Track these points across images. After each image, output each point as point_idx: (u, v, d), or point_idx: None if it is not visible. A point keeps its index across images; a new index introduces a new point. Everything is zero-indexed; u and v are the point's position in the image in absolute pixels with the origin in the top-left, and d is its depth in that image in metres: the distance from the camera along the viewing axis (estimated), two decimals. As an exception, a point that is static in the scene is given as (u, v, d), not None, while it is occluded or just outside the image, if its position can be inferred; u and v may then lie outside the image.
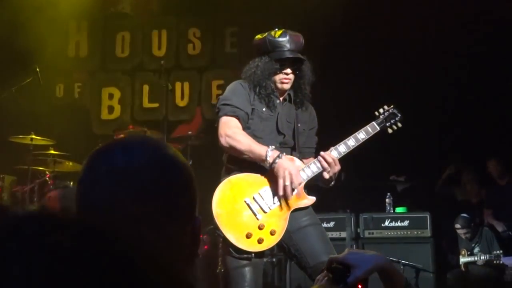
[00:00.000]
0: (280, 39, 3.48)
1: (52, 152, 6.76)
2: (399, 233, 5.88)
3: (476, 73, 7.21)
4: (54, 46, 8.55)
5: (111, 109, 8.66)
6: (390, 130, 3.70)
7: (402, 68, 7.18)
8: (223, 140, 3.39)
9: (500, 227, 6.72)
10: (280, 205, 3.36)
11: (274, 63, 3.47)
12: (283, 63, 3.48)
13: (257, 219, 3.31)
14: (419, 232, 5.85)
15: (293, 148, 3.57)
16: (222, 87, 8.20)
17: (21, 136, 6.70)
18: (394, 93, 6.89)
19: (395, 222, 5.91)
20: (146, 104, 8.59)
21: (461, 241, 6.68)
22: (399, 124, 3.71)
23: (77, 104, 8.61)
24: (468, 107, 7.21)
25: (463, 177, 7.28)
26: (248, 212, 3.32)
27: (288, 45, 3.48)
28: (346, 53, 7.28)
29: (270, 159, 3.30)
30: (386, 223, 5.92)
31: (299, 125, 3.59)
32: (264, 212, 3.34)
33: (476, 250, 6.51)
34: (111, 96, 8.67)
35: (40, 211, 0.69)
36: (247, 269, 3.32)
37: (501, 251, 6.27)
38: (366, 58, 7.18)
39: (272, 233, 3.32)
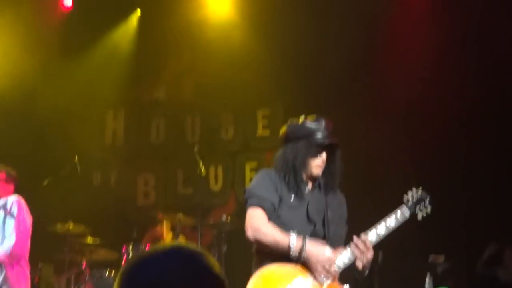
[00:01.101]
0: (316, 124, 3.53)
1: (89, 240, 6.83)
2: (440, 316, 5.68)
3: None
4: (91, 135, 8.82)
5: (146, 195, 8.76)
6: (420, 216, 3.63)
7: (433, 143, 7.16)
8: (249, 233, 3.41)
9: None
10: None
11: (313, 147, 3.50)
12: (320, 148, 3.52)
13: None
14: (462, 315, 5.63)
15: (323, 238, 3.54)
16: (255, 170, 8.26)
17: (59, 225, 6.80)
18: (431, 170, 6.90)
19: (436, 305, 5.72)
20: (180, 189, 8.66)
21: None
22: (429, 209, 3.63)
23: (113, 192, 8.74)
24: (509, 183, 7.08)
25: (505, 257, 7.05)
26: None
27: (324, 131, 3.53)
28: (371, 133, 7.30)
29: (295, 253, 3.29)
30: (428, 306, 5.73)
31: (329, 213, 3.58)
32: None
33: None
34: (146, 183, 8.79)
35: None
36: None
37: None
38: (394, 137, 7.19)
39: None
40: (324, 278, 3.30)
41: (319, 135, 3.51)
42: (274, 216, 3.46)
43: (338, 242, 3.56)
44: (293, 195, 3.50)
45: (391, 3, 7.70)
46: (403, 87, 7.35)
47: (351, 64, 7.60)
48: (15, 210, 5.14)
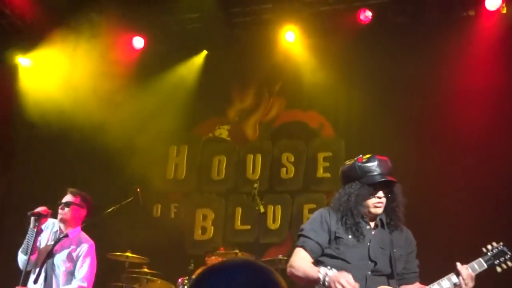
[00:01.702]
0: (369, 164, 3.52)
1: (146, 270, 6.92)
2: None
3: None
4: (154, 169, 9.03)
5: (204, 230, 8.83)
6: (499, 269, 3.55)
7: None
8: (288, 271, 3.48)
9: None
10: None
11: (367, 187, 3.49)
12: (375, 187, 3.50)
13: None
14: None
15: (389, 276, 3.49)
16: (313, 211, 8.21)
17: (118, 253, 6.93)
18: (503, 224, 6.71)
19: None
20: (238, 226, 8.70)
21: None
22: (510, 263, 3.56)
23: (172, 224, 8.86)
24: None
25: None
26: None
27: (378, 169, 3.51)
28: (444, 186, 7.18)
29: (321, 278, 3.29)
30: None
31: (395, 250, 3.52)
32: None
33: None
34: (204, 217, 8.88)
35: None
36: None
37: None
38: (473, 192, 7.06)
39: None
40: None
41: (372, 174, 3.49)
42: (329, 255, 3.46)
43: (411, 279, 3.53)
44: (351, 234, 3.48)
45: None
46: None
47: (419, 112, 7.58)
48: (89, 253, 5.14)
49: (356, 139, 7.95)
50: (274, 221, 8.57)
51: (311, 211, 8.20)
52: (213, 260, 7.12)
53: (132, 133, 8.71)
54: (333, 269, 3.34)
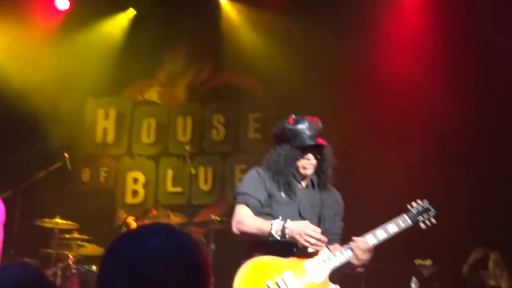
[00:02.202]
0: (299, 126, 3.54)
1: (76, 235, 6.82)
2: (426, 319, 5.70)
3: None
4: (82, 133, 8.82)
5: (135, 193, 8.76)
6: (423, 225, 3.63)
7: (430, 154, 7.24)
8: (234, 228, 3.48)
9: None
10: None
11: (296, 150, 3.52)
12: (304, 149, 3.54)
13: None
14: (447, 319, 5.67)
15: None
16: (245, 172, 8.29)
17: (46, 220, 6.78)
18: (423, 176, 6.98)
19: (422, 308, 5.75)
20: (170, 188, 8.68)
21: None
22: (433, 221, 3.65)
23: (102, 189, 8.74)
24: (494, 188, 7.16)
25: (490, 261, 7.10)
26: None
27: (307, 132, 3.53)
28: (377, 141, 7.36)
29: (278, 232, 3.31)
30: (413, 309, 5.75)
31: (323, 210, 3.59)
32: None
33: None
34: (135, 181, 8.80)
35: None
36: None
37: None
38: (398, 149, 7.26)
39: None
40: (319, 245, 3.31)
41: (302, 136, 3.53)
42: (265, 213, 3.48)
43: (332, 240, 3.58)
44: (283, 192, 3.52)
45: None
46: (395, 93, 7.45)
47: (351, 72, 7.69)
48: None
49: (287, 100, 8.01)
50: (206, 182, 8.59)
51: (242, 171, 8.26)
52: (145, 223, 7.09)
53: (57, 96, 8.44)
54: (288, 219, 3.35)
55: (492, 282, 7.08)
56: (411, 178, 7.03)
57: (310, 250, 3.34)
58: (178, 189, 8.52)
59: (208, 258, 1.25)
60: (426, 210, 3.65)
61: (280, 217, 3.38)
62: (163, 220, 6.87)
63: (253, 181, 3.56)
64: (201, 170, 8.51)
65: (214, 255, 6.34)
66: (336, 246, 3.54)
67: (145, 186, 8.75)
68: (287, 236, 3.31)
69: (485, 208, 7.19)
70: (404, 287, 6.11)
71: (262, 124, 8.60)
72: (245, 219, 3.43)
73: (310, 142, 3.52)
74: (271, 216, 3.47)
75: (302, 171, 3.57)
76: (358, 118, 7.50)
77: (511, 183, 7.16)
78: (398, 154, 7.29)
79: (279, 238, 3.32)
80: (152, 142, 8.94)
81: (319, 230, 3.36)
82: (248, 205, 3.48)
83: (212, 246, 6.35)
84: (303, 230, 3.30)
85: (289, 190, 3.53)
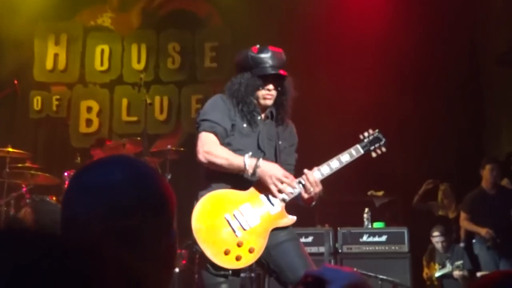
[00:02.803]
0: (262, 55, 3.46)
1: (29, 165, 6.69)
2: (377, 248, 5.91)
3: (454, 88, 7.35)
4: (32, 59, 8.53)
5: (89, 122, 8.61)
6: (374, 154, 3.67)
7: (384, 86, 7.30)
8: (201, 156, 3.36)
9: (484, 233, 6.48)
10: (261, 223, 3.33)
11: (257, 79, 3.45)
12: (265, 79, 3.47)
13: (236, 236, 3.26)
14: (397, 247, 5.88)
15: None
16: (201, 101, 8.22)
17: (-3, 149, 6.63)
18: (377, 109, 7.05)
19: (373, 237, 5.94)
20: (125, 117, 8.56)
21: (436, 256, 6.75)
22: (383, 149, 3.68)
23: (55, 117, 8.55)
24: (445, 120, 7.32)
25: (440, 192, 7.35)
26: (228, 229, 3.27)
27: (270, 61, 3.46)
28: (332, 74, 7.36)
29: (250, 169, 3.28)
30: (364, 238, 5.95)
31: (280, 142, 3.57)
32: (244, 229, 3.29)
33: (448, 264, 6.57)
34: (89, 109, 8.62)
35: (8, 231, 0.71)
36: (223, 286, 3.27)
37: (461, 262, 6.37)
38: (352, 81, 7.28)
39: (251, 251, 3.27)
40: (284, 196, 3.33)
41: (264, 66, 3.45)
42: (226, 142, 3.45)
43: (288, 170, 3.58)
44: (245, 123, 3.49)
45: None
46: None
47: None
48: None
49: (243, 28, 7.87)
50: (161, 112, 8.50)
51: (199, 101, 8.21)
52: (99, 153, 7.01)
53: (3, 20, 8.07)
54: (261, 158, 3.33)
55: (440, 212, 7.37)
56: (365, 110, 7.10)
57: (279, 197, 3.34)
58: (133, 118, 8.42)
59: (169, 186, 1.28)
60: (377, 139, 3.69)
61: (250, 153, 3.34)
62: (119, 149, 6.80)
63: (218, 108, 3.46)
64: (157, 99, 8.39)
65: (170, 185, 6.33)
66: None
67: (99, 115, 8.60)
68: (256, 174, 3.30)
69: (437, 140, 7.38)
70: (357, 217, 6.30)
71: (219, 53, 8.47)
72: (215, 149, 3.35)
73: (271, 71, 3.45)
74: (230, 145, 3.43)
75: (261, 101, 3.50)
76: (315, 49, 7.46)
77: (462, 115, 7.34)
78: (352, 86, 7.33)
79: (248, 175, 3.32)
80: (106, 69, 8.73)
81: (290, 177, 3.35)
82: (215, 133, 3.39)
83: (168, 176, 6.34)
84: (275, 173, 3.29)
85: (251, 120, 3.49)
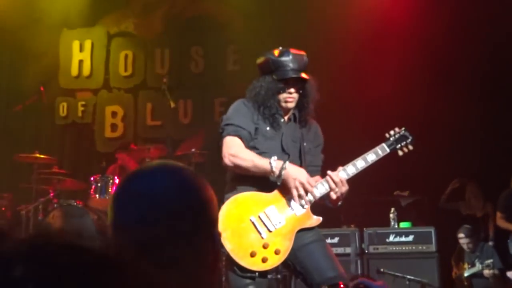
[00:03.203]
0: (283, 58, 3.46)
1: (56, 170, 6.79)
2: (404, 248, 5.86)
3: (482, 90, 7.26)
4: (57, 66, 8.64)
5: (114, 127, 8.69)
6: (400, 152, 3.64)
7: (409, 88, 7.26)
8: (227, 160, 3.38)
9: None
10: (286, 224, 3.33)
11: (278, 82, 3.46)
12: (286, 82, 3.47)
13: (262, 238, 3.27)
14: (424, 247, 5.83)
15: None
16: (224, 105, 8.23)
17: (25, 155, 6.73)
18: (401, 108, 7.00)
19: (399, 237, 5.90)
20: (149, 122, 8.62)
21: (465, 256, 6.67)
22: (410, 147, 3.65)
23: (80, 123, 8.65)
24: (469, 122, 7.24)
25: (467, 191, 7.27)
26: (253, 231, 3.28)
27: (291, 64, 3.46)
28: (356, 72, 7.33)
29: (276, 171, 3.28)
30: (391, 238, 5.91)
31: (305, 144, 3.56)
32: (269, 231, 3.30)
33: (477, 263, 6.50)
34: (114, 114, 8.71)
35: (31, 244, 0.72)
36: (250, 287, 3.28)
37: (491, 261, 6.29)
38: (374, 82, 7.24)
39: (277, 252, 3.28)
40: (303, 202, 3.33)
41: (285, 69, 3.45)
42: (251, 146, 3.46)
43: (313, 172, 3.58)
44: (268, 126, 3.50)
45: None
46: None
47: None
48: None
49: (267, 32, 7.87)
50: (185, 115, 8.54)
51: (222, 104, 8.22)
52: (124, 156, 7.08)
53: (28, 30, 8.19)
54: (287, 161, 3.34)
55: (468, 211, 7.28)
56: (390, 109, 7.05)
57: (298, 202, 3.34)
58: (158, 123, 8.47)
59: (211, 191, 1.32)
60: (403, 137, 3.66)
61: (275, 157, 3.35)
62: (144, 153, 6.86)
63: (241, 112, 3.48)
64: (181, 103, 8.43)
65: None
66: (317, 178, 3.55)
67: (123, 119, 8.68)
68: (282, 176, 3.29)
69: (464, 138, 7.29)
70: (383, 217, 6.26)
71: (241, 56, 8.48)
72: (240, 152, 3.36)
73: (292, 75, 3.46)
74: (255, 149, 3.44)
75: (283, 104, 3.51)
76: (339, 47, 7.43)
77: (491, 113, 7.24)
78: (376, 85, 7.28)
79: (274, 177, 3.32)
80: (130, 74, 8.81)
81: (314, 183, 3.34)
82: (240, 137, 3.41)
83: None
84: (299, 177, 3.28)
85: (274, 122, 3.49)
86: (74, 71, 8.86)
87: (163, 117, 8.10)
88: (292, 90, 3.49)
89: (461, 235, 6.66)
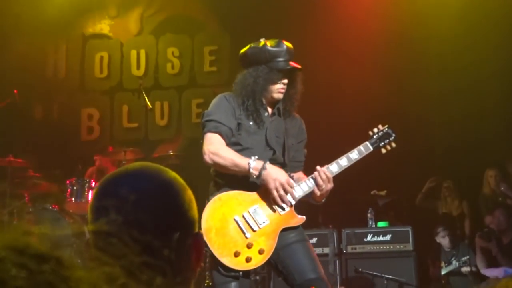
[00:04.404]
0: (279, 48, 3.44)
1: (31, 174, 6.70)
2: (381, 247, 5.88)
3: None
4: (31, 67, 8.52)
5: (90, 129, 8.60)
6: (383, 150, 3.64)
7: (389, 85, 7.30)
8: (207, 157, 3.36)
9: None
10: (270, 223, 3.32)
11: (275, 73, 3.41)
12: (282, 73, 3.44)
13: (246, 237, 3.27)
14: (402, 246, 5.86)
15: (283, 164, 3.51)
16: (201, 106, 8.22)
17: (-1, 158, 6.62)
18: (382, 108, 7.04)
19: (377, 237, 5.92)
20: (125, 124, 8.55)
21: (441, 254, 6.73)
22: (393, 144, 3.65)
23: (56, 125, 8.54)
24: (446, 121, 7.31)
25: (443, 190, 7.33)
26: (237, 230, 3.27)
27: (287, 55, 3.44)
28: (339, 70, 7.34)
29: (255, 171, 3.27)
30: (369, 238, 5.92)
31: (288, 139, 3.55)
32: (253, 230, 3.29)
33: (453, 261, 6.56)
34: (90, 117, 8.62)
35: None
36: (233, 285, 3.28)
37: (467, 257, 6.36)
38: (355, 77, 7.26)
39: (261, 252, 3.27)
40: (282, 204, 3.32)
41: (280, 59, 3.42)
42: (233, 142, 3.44)
43: (296, 167, 3.58)
44: (252, 121, 3.47)
45: None
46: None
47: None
48: None
49: (242, 32, 7.86)
50: (162, 117, 8.49)
51: (199, 105, 8.20)
52: (101, 159, 7.01)
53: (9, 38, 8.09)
54: (268, 162, 3.32)
55: (444, 210, 7.34)
56: (370, 108, 7.07)
57: (278, 203, 3.33)
58: (134, 125, 8.41)
59: (191, 194, 1.33)
60: (387, 135, 3.66)
61: (255, 157, 3.32)
62: (120, 156, 6.80)
63: (222, 108, 3.45)
64: (157, 105, 8.37)
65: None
66: (300, 174, 3.54)
67: (100, 122, 8.60)
68: (261, 176, 3.27)
69: (440, 138, 7.35)
70: (361, 217, 6.28)
71: (218, 57, 8.46)
72: (221, 151, 3.34)
73: (290, 65, 3.42)
74: (239, 145, 3.42)
75: (275, 95, 3.46)
76: (318, 43, 7.43)
77: (464, 113, 7.32)
78: (355, 81, 7.30)
79: (254, 177, 3.30)
80: (105, 76, 8.73)
81: (293, 185, 3.33)
82: (220, 134, 3.38)
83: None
84: (279, 177, 3.27)
85: (258, 117, 3.45)
86: (49, 72, 8.76)
87: (140, 119, 8.05)
88: (285, 81, 3.47)
89: (439, 228, 6.72)
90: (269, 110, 3.55)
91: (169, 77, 8.60)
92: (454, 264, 6.50)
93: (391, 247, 5.87)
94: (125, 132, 8.51)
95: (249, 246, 3.25)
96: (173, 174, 1.34)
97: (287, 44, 3.50)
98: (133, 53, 8.70)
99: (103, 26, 8.83)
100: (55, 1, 8.37)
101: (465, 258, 6.42)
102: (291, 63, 3.46)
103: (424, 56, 7.43)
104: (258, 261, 3.28)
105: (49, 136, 8.32)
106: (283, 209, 3.36)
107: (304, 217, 3.42)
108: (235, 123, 3.43)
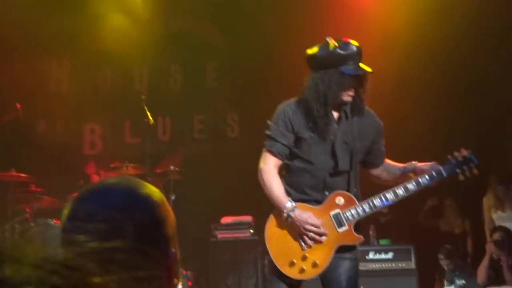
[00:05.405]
0: (348, 52, 3.36)
1: (33, 189, 6.69)
2: (383, 265, 5.87)
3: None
4: (34, 83, 8.55)
5: (92, 144, 8.61)
6: (461, 177, 3.58)
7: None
8: (259, 174, 3.51)
9: None
10: (327, 239, 3.42)
11: (344, 78, 3.36)
12: (354, 77, 3.39)
13: (303, 249, 3.42)
14: (404, 264, 5.84)
15: (348, 171, 3.53)
16: (203, 122, 8.25)
17: (1, 173, 6.62)
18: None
19: (379, 255, 5.90)
20: (128, 139, 8.55)
21: (446, 273, 6.69)
22: (475, 171, 3.57)
23: (59, 140, 8.53)
24: (446, 137, 7.30)
25: (445, 208, 7.32)
26: (296, 241, 3.43)
27: (357, 58, 3.38)
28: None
29: (284, 215, 3.39)
30: (371, 256, 5.91)
31: (356, 143, 3.52)
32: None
33: (457, 280, 6.52)
34: (92, 131, 8.63)
35: None
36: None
37: (463, 282, 6.33)
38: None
39: (314, 265, 3.42)
40: (309, 241, 3.40)
41: (351, 63, 3.35)
42: (296, 155, 3.48)
43: (380, 157, 3.67)
44: (312, 132, 3.45)
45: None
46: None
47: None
48: None
49: (247, 49, 7.86)
50: (164, 133, 8.50)
51: (201, 122, 8.21)
52: (103, 174, 7.01)
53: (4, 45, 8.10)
54: (296, 208, 3.39)
55: (446, 228, 7.32)
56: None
57: (308, 242, 3.41)
58: (137, 140, 8.41)
59: (168, 210, 1.33)
60: (468, 161, 3.57)
61: (292, 202, 3.44)
62: (122, 171, 6.80)
63: (280, 122, 3.48)
64: (160, 120, 8.38)
65: (174, 206, 6.33)
66: (387, 162, 3.64)
67: (102, 137, 8.60)
68: (289, 220, 3.39)
69: (441, 155, 7.33)
70: (363, 234, 6.24)
71: (220, 73, 8.48)
72: (266, 177, 3.46)
73: (361, 70, 3.37)
74: (299, 158, 3.47)
75: (345, 98, 3.41)
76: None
77: (467, 128, 7.31)
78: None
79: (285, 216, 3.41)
80: (108, 91, 8.74)
81: (319, 224, 3.39)
82: (274, 154, 3.48)
83: (172, 197, 6.34)
84: (304, 223, 3.36)
85: (324, 125, 3.41)
86: (51, 88, 8.78)
87: (142, 134, 8.05)
88: (357, 85, 3.43)
89: (440, 256, 6.66)
90: (335, 114, 3.50)
91: (172, 93, 8.61)
92: (457, 284, 6.46)
93: (393, 265, 5.85)
94: (127, 147, 8.50)
95: (304, 258, 3.41)
96: (149, 189, 1.33)
97: (354, 43, 3.42)
98: (136, 68, 8.72)
99: (106, 42, 8.85)
100: (58, 16, 8.39)
101: (461, 282, 6.37)
102: (362, 66, 3.40)
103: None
104: (311, 273, 3.44)
105: (52, 150, 8.32)
106: (340, 226, 3.43)
107: (362, 237, 3.53)
108: (292, 138, 3.48)
